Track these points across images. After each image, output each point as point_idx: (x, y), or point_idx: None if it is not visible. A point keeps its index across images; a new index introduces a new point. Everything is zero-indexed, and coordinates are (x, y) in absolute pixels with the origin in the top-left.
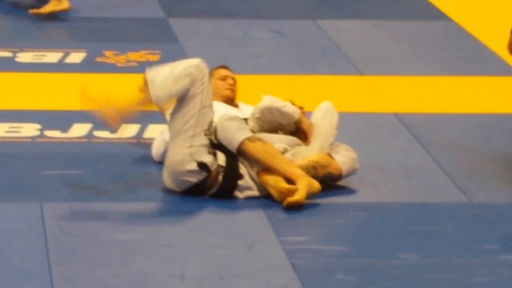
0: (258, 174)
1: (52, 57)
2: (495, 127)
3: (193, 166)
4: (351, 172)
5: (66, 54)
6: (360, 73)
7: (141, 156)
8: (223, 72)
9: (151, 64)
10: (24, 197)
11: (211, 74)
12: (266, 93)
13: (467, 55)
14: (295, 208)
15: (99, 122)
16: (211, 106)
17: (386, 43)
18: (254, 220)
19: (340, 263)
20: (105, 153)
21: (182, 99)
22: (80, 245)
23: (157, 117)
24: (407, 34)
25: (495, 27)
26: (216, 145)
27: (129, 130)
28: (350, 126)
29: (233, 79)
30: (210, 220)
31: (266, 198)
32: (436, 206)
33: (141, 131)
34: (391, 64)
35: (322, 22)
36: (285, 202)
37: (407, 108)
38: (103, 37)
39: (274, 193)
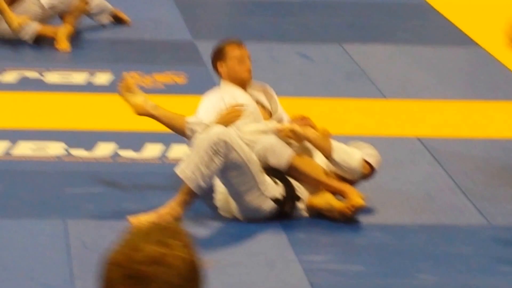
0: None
1: (78, 77)
2: None
3: (271, 204)
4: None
5: (92, 75)
6: (384, 97)
7: (165, 176)
8: (238, 51)
9: (178, 86)
10: (48, 214)
11: (223, 52)
12: (292, 115)
13: (492, 81)
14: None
15: (124, 142)
16: (251, 153)
17: (411, 67)
18: (275, 239)
19: (359, 283)
20: (129, 173)
21: (225, 170)
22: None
23: (180, 137)
24: (432, 59)
25: None
26: (267, 171)
27: (153, 150)
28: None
29: (249, 58)
30: (232, 239)
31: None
32: (455, 228)
33: (165, 151)
34: (415, 88)
35: (348, 46)
36: (350, 208)
37: (430, 132)
38: (130, 59)
39: (330, 213)
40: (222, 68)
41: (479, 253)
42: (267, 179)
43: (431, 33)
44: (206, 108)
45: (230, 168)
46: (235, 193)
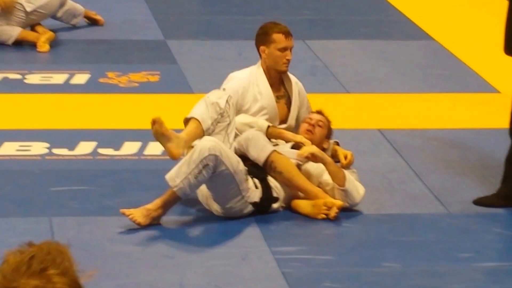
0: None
1: (59, 78)
2: (473, 142)
3: (250, 208)
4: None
5: (71, 76)
6: (346, 91)
7: (143, 172)
8: (284, 42)
9: (151, 84)
10: (34, 212)
11: (269, 37)
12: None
13: (448, 73)
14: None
15: (103, 140)
16: (238, 163)
17: (372, 62)
18: (248, 232)
19: (328, 272)
20: (109, 170)
21: (212, 179)
22: (86, 257)
23: None
24: (391, 54)
25: (474, 46)
26: (249, 172)
27: (132, 148)
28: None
29: (291, 50)
30: (208, 232)
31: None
32: (417, 217)
33: (142, 148)
34: (375, 82)
35: (311, 43)
36: (332, 211)
37: (390, 124)
38: (106, 59)
39: (309, 211)
40: (264, 52)
41: (440, 240)
42: (250, 185)
43: (390, 28)
44: (231, 88)
45: (217, 178)
46: (219, 198)
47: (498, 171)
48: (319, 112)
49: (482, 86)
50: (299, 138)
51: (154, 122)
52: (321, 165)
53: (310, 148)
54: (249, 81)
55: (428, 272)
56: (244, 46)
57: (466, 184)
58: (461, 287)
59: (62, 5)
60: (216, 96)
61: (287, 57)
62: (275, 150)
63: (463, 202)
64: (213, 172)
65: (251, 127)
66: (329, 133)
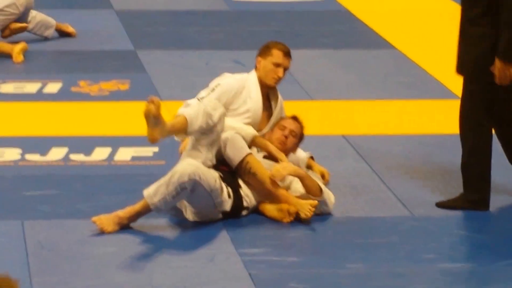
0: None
1: (32, 87)
2: (435, 147)
3: (220, 216)
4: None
5: (44, 85)
6: (310, 98)
7: (112, 177)
8: (280, 59)
9: (122, 92)
10: (6, 216)
11: (269, 51)
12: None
13: (410, 81)
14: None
15: (75, 146)
16: (216, 179)
17: (336, 70)
18: (216, 235)
19: (293, 273)
20: (80, 175)
21: (190, 197)
22: (58, 259)
23: (127, 141)
24: (355, 62)
25: (435, 54)
26: (224, 179)
27: (102, 153)
28: (302, 147)
29: (286, 69)
30: (176, 235)
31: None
32: (380, 220)
33: (112, 154)
34: (339, 89)
35: None
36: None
37: (354, 130)
38: (78, 68)
39: (275, 215)
40: (259, 62)
41: (404, 242)
42: (224, 196)
43: (353, 38)
44: (222, 92)
45: (194, 195)
46: (194, 208)
47: (459, 175)
48: (294, 118)
49: (443, 92)
50: (280, 156)
51: (151, 101)
52: (289, 177)
53: (284, 170)
54: (244, 84)
55: (391, 273)
56: (210, 56)
57: (428, 187)
58: (424, 287)
59: (28, 8)
60: (212, 107)
61: (278, 74)
62: (251, 153)
63: (426, 205)
64: (191, 193)
65: (237, 132)
66: (300, 140)
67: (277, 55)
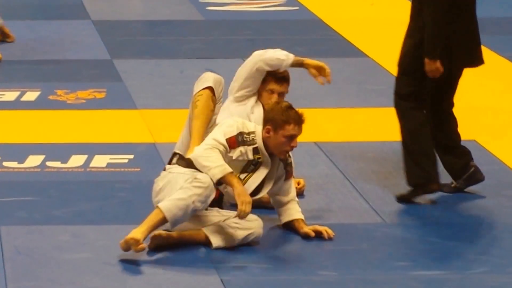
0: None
1: (10, 96)
2: None
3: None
4: None
5: (23, 93)
6: None
7: (88, 183)
8: (275, 86)
9: (98, 101)
10: None
11: (267, 79)
12: None
13: (381, 88)
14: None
15: (51, 154)
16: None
17: (308, 78)
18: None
19: (266, 280)
20: (57, 181)
21: None
22: (34, 264)
23: (102, 148)
24: None
25: None
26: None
27: (78, 160)
28: None
29: (281, 94)
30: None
31: None
32: (353, 227)
33: (88, 161)
34: (312, 97)
35: None
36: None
37: (327, 137)
38: (55, 77)
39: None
40: (260, 89)
41: (376, 249)
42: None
43: (326, 46)
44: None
45: None
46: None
47: None
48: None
49: None
50: (239, 203)
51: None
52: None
53: (246, 206)
54: (250, 108)
55: (364, 280)
56: (185, 65)
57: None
58: None
59: None
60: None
61: (272, 99)
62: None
63: (398, 212)
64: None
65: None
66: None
67: (272, 83)
